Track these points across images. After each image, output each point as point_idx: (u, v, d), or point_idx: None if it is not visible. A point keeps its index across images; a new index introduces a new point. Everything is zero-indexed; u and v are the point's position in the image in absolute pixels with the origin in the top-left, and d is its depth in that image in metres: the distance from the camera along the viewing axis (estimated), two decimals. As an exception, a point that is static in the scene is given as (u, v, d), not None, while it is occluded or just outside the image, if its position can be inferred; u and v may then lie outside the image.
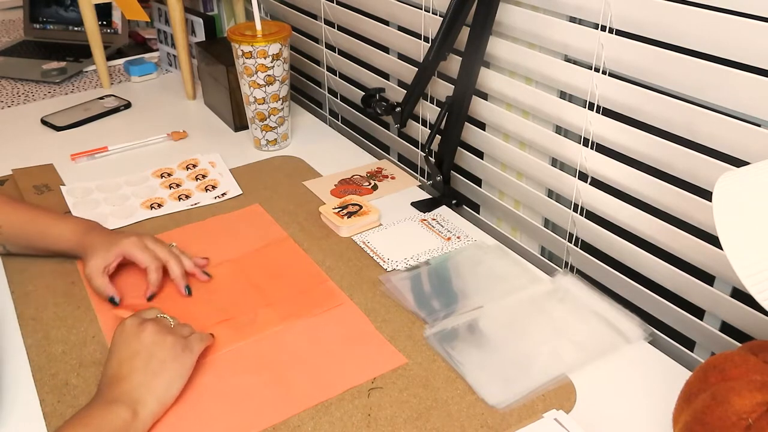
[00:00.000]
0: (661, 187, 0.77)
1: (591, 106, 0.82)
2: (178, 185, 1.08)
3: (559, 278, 0.85)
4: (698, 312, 0.78)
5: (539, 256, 0.99)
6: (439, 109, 0.98)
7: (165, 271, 0.84)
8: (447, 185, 1.03)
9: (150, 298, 0.83)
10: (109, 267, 0.83)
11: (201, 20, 1.39)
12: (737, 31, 0.65)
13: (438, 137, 1.01)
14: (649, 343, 0.76)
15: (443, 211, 1.01)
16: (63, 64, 1.55)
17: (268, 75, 1.10)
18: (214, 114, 1.34)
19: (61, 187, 1.06)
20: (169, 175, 1.11)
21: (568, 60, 0.86)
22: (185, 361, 0.69)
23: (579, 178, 0.87)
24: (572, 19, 0.84)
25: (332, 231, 0.96)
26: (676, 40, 0.70)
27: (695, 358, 0.79)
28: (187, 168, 1.13)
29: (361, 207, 0.98)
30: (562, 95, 0.89)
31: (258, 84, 1.11)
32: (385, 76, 1.20)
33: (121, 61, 1.57)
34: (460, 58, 0.93)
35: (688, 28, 0.69)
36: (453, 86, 0.96)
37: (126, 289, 0.85)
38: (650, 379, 0.72)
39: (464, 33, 0.92)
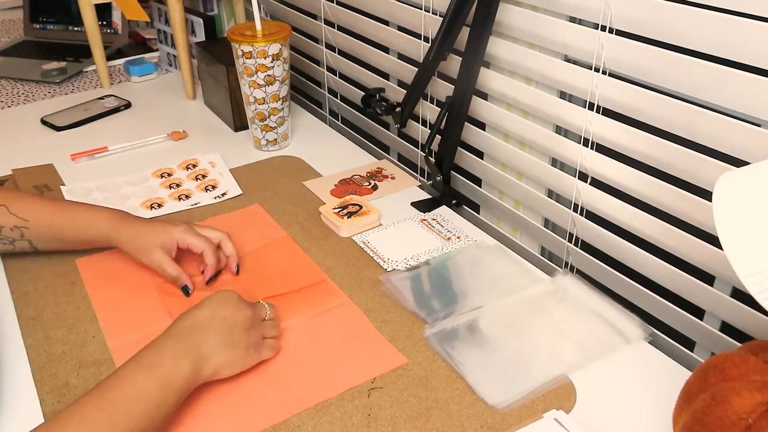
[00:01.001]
0: (661, 187, 0.77)
1: (591, 106, 0.82)
2: (178, 185, 1.08)
3: (559, 278, 0.85)
4: (698, 312, 0.78)
5: (539, 256, 0.99)
6: (439, 109, 0.98)
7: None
8: (447, 185, 1.03)
9: (209, 281, 0.85)
10: (172, 255, 0.84)
11: (201, 20, 1.39)
12: (737, 31, 0.65)
13: (438, 137, 1.01)
14: (649, 343, 0.76)
15: (443, 211, 1.01)
16: (63, 64, 1.55)
17: (268, 75, 1.10)
18: (214, 114, 1.34)
19: (61, 187, 1.06)
20: (169, 175, 1.11)
21: (568, 60, 0.86)
22: (251, 356, 0.71)
23: (579, 178, 0.87)
24: (572, 19, 0.84)
25: (332, 231, 0.96)
26: (676, 40, 0.70)
27: (695, 358, 0.79)
28: (187, 168, 1.13)
29: (361, 207, 0.98)
30: (562, 95, 0.89)
31: (258, 84, 1.11)
32: (385, 76, 1.20)
33: (121, 61, 1.57)
34: (460, 58, 0.93)
35: (688, 28, 0.69)
36: (453, 86, 0.96)
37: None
38: (650, 379, 0.72)
39: (464, 33, 0.92)
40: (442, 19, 0.92)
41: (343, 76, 1.31)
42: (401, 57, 1.14)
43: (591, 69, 0.80)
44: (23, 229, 0.84)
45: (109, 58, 1.52)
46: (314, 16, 1.32)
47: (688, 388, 0.60)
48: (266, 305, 0.76)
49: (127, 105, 1.37)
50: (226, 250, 0.87)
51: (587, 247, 0.89)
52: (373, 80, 1.21)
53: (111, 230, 0.84)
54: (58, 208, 0.85)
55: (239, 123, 1.26)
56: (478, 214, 1.09)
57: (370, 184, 1.08)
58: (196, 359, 0.66)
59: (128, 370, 0.63)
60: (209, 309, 0.70)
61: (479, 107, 0.99)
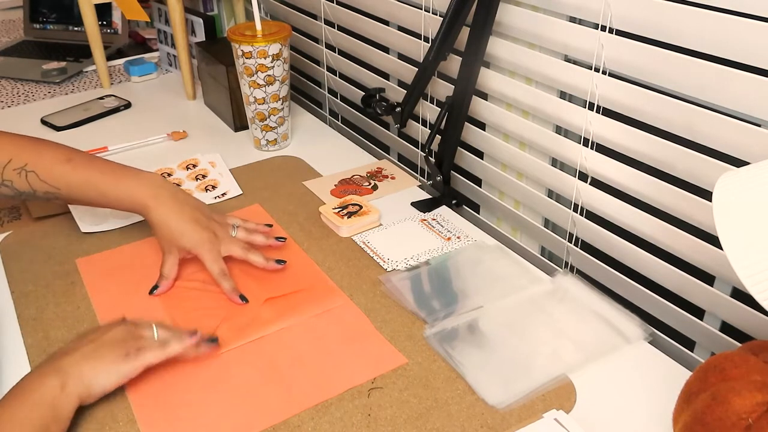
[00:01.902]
0: (661, 187, 0.77)
1: (591, 106, 0.82)
2: (178, 185, 1.08)
3: (559, 278, 0.85)
4: (698, 312, 0.78)
5: (539, 256, 0.99)
6: (439, 109, 0.98)
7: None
8: (447, 185, 1.03)
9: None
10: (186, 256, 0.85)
11: (201, 20, 1.39)
12: (737, 31, 0.65)
13: (438, 137, 1.01)
14: (649, 343, 0.76)
15: (443, 211, 1.01)
16: (63, 64, 1.55)
17: (268, 75, 1.10)
18: (214, 114, 1.34)
19: (61, 187, 1.06)
20: (169, 175, 1.11)
21: (568, 60, 0.86)
22: (122, 366, 0.68)
23: (579, 178, 0.87)
24: (572, 19, 0.84)
25: (332, 231, 0.96)
26: (676, 40, 0.70)
27: (695, 358, 0.79)
28: (187, 168, 1.13)
29: (361, 207, 0.98)
30: (562, 95, 0.89)
31: (258, 84, 1.11)
32: (385, 76, 1.20)
33: (121, 61, 1.57)
34: (460, 58, 0.93)
35: (688, 28, 0.69)
36: (453, 86, 0.96)
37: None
38: (650, 379, 0.72)
39: (464, 33, 0.92)
40: (442, 19, 0.92)
41: (343, 76, 1.31)
42: (401, 57, 1.14)
43: (591, 69, 0.80)
44: (55, 194, 0.83)
45: (109, 58, 1.52)
46: (314, 16, 1.32)
47: (688, 388, 0.60)
48: (155, 326, 0.72)
49: (127, 105, 1.37)
50: (256, 241, 0.88)
51: (587, 247, 0.89)
52: (373, 80, 1.21)
53: (143, 208, 0.83)
54: (87, 177, 0.83)
55: (239, 123, 1.26)
56: (478, 214, 1.09)
57: (370, 184, 1.08)
58: (60, 375, 0.65)
59: (1, 402, 0.63)
60: (83, 334, 0.71)
61: (479, 107, 0.99)
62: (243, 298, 0.82)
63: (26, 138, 0.84)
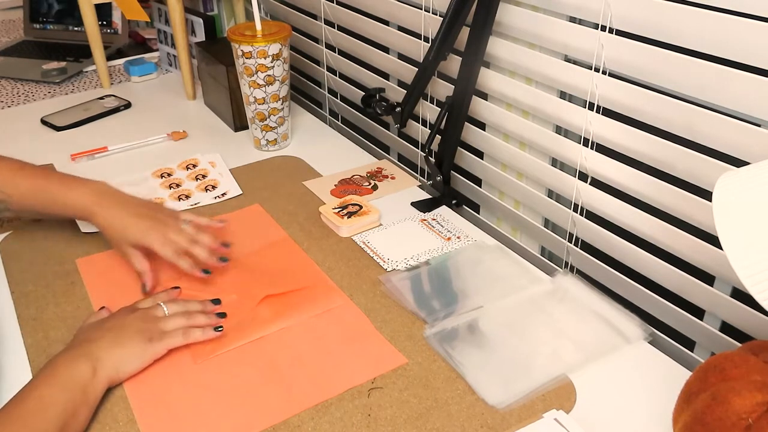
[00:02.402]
0: (661, 187, 0.77)
1: (591, 106, 0.82)
2: (178, 185, 1.08)
3: (559, 278, 0.85)
4: (698, 312, 0.78)
5: (539, 256, 0.99)
6: (439, 109, 0.98)
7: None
8: (447, 185, 1.03)
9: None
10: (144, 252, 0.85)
11: (201, 20, 1.39)
12: (737, 31, 0.65)
13: (438, 137, 1.01)
14: (649, 343, 0.76)
15: (443, 211, 1.01)
16: (63, 64, 1.55)
17: (268, 75, 1.10)
18: (214, 114, 1.34)
19: (61, 187, 1.06)
20: (169, 175, 1.11)
21: (568, 60, 0.86)
22: (147, 349, 0.72)
23: (579, 178, 0.87)
24: (572, 19, 0.84)
25: (332, 231, 0.96)
26: (676, 40, 0.70)
27: (695, 358, 0.79)
28: (187, 168, 1.13)
29: (361, 207, 0.98)
30: (562, 95, 0.89)
31: (258, 84, 1.11)
32: (385, 76, 1.20)
33: (121, 61, 1.57)
34: (460, 58, 0.93)
35: (688, 28, 0.69)
36: (453, 86, 0.96)
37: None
38: (650, 379, 0.72)
39: (464, 33, 0.92)
40: (442, 19, 0.92)
41: (343, 76, 1.31)
42: (401, 57, 1.14)
43: (591, 69, 0.80)
44: (6, 201, 0.84)
45: (109, 58, 1.52)
46: (314, 16, 1.32)
47: (688, 388, 0.60)
48: (163, 305, 0.77)
49: (127, 105, 1.37)
50: (202, 241, 0.86)
51: (587, 247, 0.89)
52: (373, 80, 1.21)
53: (90, 215, 0.85)
54: (39, 185, 0.85)
55: (239, 123, 1.26)
56: (478, 214, 1.09)
57: (370, 184, 1.08)
58: (91, 360, 0.68)
59: (29, 384, 0.65)
60: (96, 323, 0.75)
61: (479, 107, 0.99)
62: (206, 271, 0.84)
63: None
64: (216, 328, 0.77)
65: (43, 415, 0.62)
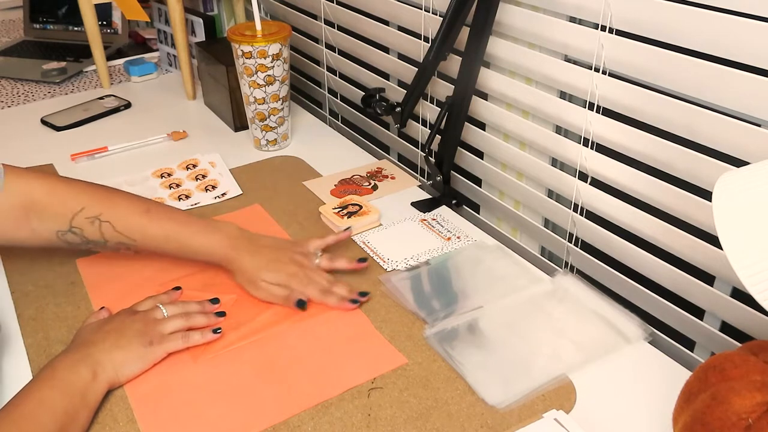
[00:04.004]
0: (661, 187, 0.77)
1: (591, 106, 0.82)
2: (178, 185, 1.08)
3: (559, 278, 0.85)
4: (698, 312, 0.78)
5: (539, 256, 0.99)
6: (439, 109, 0.98)
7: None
8: (447, 185, 1.03)
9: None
10: None
11: (201, 20, 1.39)
12: (737, 31, 0.65)
13: (438, 137, 1.01)
14: (649, 343, 0.76)
15: (443, 211, 1.01)
16: (63, 64, 1.55)
17: (268, 75, 1.10)
18: (214, 114, 1.34)
19: (61, 187, 1.06)
20: (169, 175, 1.11)
21: (568, 60, 0.86)
22: (147, 352, 0.73)
23: (579, 178, 0.87)
24: (572, 19, 0.84)
25: (332, 231, 0.96)
26: (676, 40, 0.70)
27: (695, 358, 0.79)
28: (187, 168, 1.13)
29: (361, 207, 0.98)
30: (562, 95, 0.89)
31: (258, 84, 1.11)
32: (385, 76, 1.20)
33: (121, 61, 1.57)
34: (460, 58, 0.93)
35: (688, 28, 0.69)
36: (453, 86, 0.96)
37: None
38: (650, 379, 0.72)
39: (464, 33, 0.92)
40: (442, 19, 0.92)
41: (343, 76, 1.31)
42: (401, 57, 1.14)
43: (591, 69, 0.80)
44: (129, 244, 0.81)
45: (109, 58, 1.52)
46: (314, 16, 1.32)
47: (688, 388, 0.60)
48: (162, 307, 0.77)
49: (127, 105, 1.37)
50: (332, 304, 0.82)
51: (587, 247, 0.89)
52: (373, 80, 1.21)
53: (221, 261, 0.83)
54: (168, 231, 0.81)
55: (239, 123, 1.26)
56: (478, 214, 1.09)
57: (370, 184, 1.08)
58: (91, 363, 0.69)
59: (29, 386, 0.65)
60: (98, 326, 0.75)
61: (479, 107, 0.99)
62: (302, 304, 0.81)
63: (99, 187, 0.82)
64: (215, 330, 0.76)
65: (42, 418, 0.62)
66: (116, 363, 0.70)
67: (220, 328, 0.77)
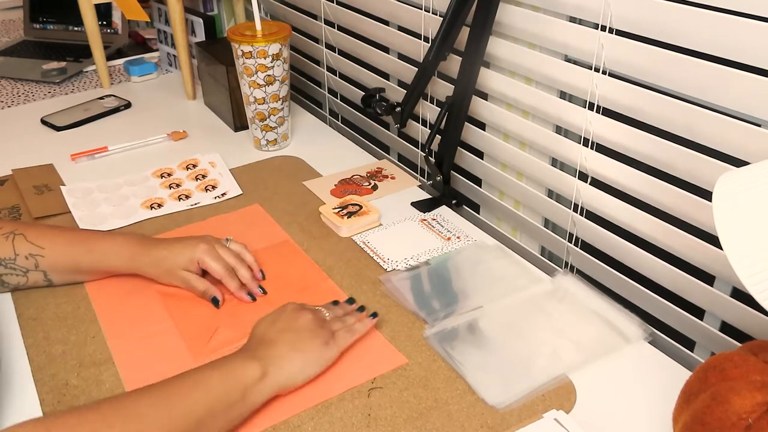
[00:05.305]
0: (661, 187, 0.77)
1: (591, 106, 0.82)
2: (178, 185, 1.08)
3: (559, 278, 0.85)
4: (698, 312, 0.78)
5: (539, 256, 0.99)
6: (439, 109, 0.98)
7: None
8: (447, 185, 1.03)
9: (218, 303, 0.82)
10: (197, 272, 0.83)
11: (201, 20, 1.39)
12: (737, 31, 0.65)
13: (438, 137, 1.01)
14: (649, 343, 0.76)
15: (443, 211, 1.01)
16: (63, 64, 1.55)
17: (268, 75, 1.10)
18: (214, 114, 1.34)
19: (61, 187, 1.06)
20: (169, 175, 1.11)
21: (568, 60, 0.86)
22: (324, 353, 0.71)
23: (579, 178, 0.87)
24: (572, 19, 0.84)
25: (332, 231, 0.96)
26: (676, 40, 0.70)
27: (695, 358, 0.79)
28: (187, 168, 1.13)
29: (361, 207, 0.98)
30: (562, 95, 0.89)
31: (258, 84, 1.11)
32: (385, 76, 1.20)
33: (121, 61, 1.57)
34: (460, 58, 0.93)
35: (688, 28, 0.69)
36: (453, 86, 0.96)
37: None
38: (650, 379, 0.72)
39: (464, 33, 0.92)
40: (442, 19, 0.92)
41: (343, 76, 1.31)
42: (401, 57, 1.14)
43: (591, 69, 0.80)
44: (38, 257, 0.81)
45: (109, 58, 1.52)
46: (314, 16, 1.32)
47: (688, 388, 0.60)
48: (323, 309, 0.76)
49: (127, 105, 1.37)
50: (246, 260, 0.86)
51: (587, 247, 0.89)
52: (373, 80, 1.21)
53: (131, 259, 0.83)
54: (75, 237, 0.83)
55: (239, 123, 1.26)
56: (478, 214, 1.09)
57: (370, 184, 1.08)
58: (266, 363, 0.67)
59: (200, 366, 0.66)
60: (273, 323, 0.73)
61: (479, 107, 0.99)
62: (215, 301, 0.82)
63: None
64: (372, 315, 0.77)
65: (194, 395, 0.62)
66: (295, 367, 0.69)
67: (375, 313, 0.78)
